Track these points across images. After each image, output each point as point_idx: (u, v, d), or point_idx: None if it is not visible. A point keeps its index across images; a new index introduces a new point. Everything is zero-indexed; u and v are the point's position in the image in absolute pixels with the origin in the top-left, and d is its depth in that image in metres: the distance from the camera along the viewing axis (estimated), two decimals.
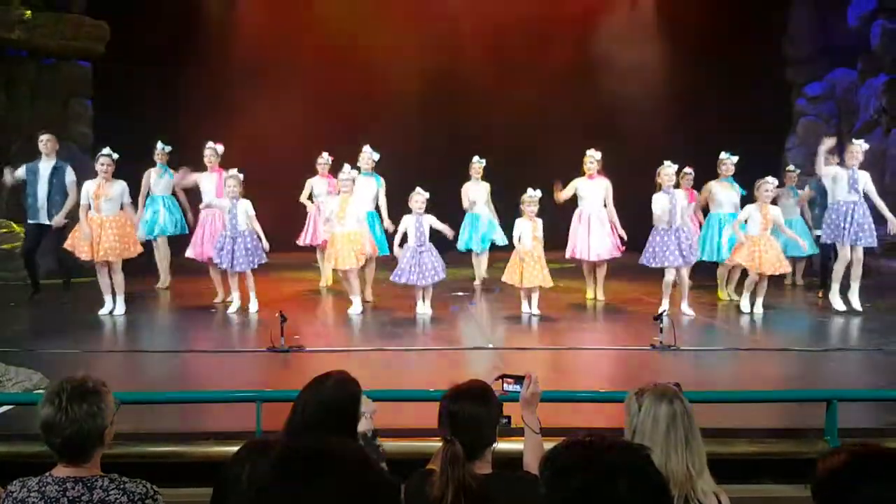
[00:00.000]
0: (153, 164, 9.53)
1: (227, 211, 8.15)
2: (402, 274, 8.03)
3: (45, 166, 8.54)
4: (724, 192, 9.00)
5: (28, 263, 8.72)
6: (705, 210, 9.36)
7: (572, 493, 1.49)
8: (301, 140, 11.19)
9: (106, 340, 7.34)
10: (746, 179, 8.87)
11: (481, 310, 8.80)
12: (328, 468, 1.52)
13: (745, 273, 8.44)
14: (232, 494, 2.51)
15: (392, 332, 7.45)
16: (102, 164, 7.95)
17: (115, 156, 8.08)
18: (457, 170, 9.99)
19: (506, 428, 2.76)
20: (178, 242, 9.62)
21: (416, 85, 12.65)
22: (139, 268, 9.32)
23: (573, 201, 8.95)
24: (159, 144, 9.39)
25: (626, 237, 8.79)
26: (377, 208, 9.16)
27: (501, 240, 9.74)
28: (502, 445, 2.71)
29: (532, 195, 8.03)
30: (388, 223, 8.97)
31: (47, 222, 8.58)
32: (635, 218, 8.73)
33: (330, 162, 9.63)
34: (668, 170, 8.07)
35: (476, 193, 9.78)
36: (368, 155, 8.90)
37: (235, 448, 2.51)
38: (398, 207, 8.52)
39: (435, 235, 8.20)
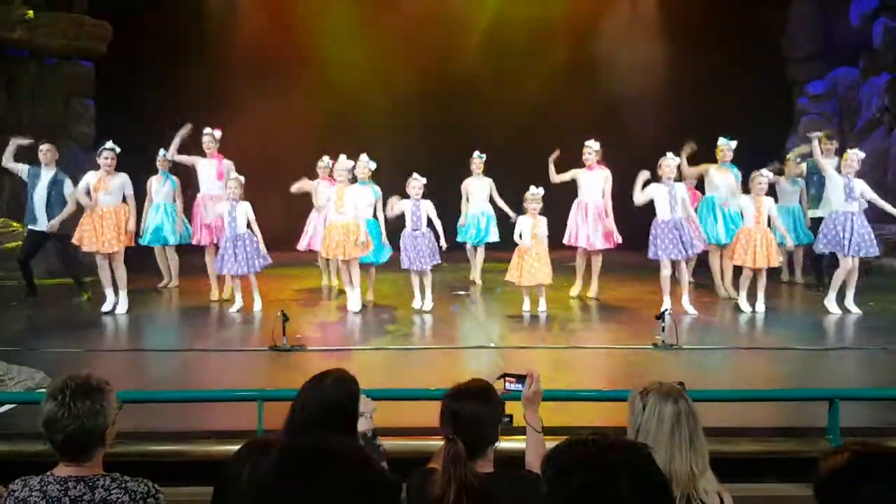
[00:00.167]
0: (154, 163, 9.55)
1: (227, 213, 8.15)
2: (402, 259, 8.15)
3: (46, 175, 8.55)
4: (720, 177, 9.01)
5: (23, 267, 8.72)
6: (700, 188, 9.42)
7: (574, 492, 1.49)
8: (303, 139, 11.21)
9: (108, 339, 7.35)
10: (748, 177, 8.87)
11: (482, 309, 8.79)
12: (328, 467, 1.52)
13: (739, 268, 8.43)
14: (232, 494, 2.51)
15: (394, 330, 7.46)
16: (106, 158, 8.03)
17: (118, 149, 8.14)
18: (458, 166, 9.97)
19: (507, 427, 2.75)
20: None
21: (417, 81, 12.65)
22: (142, 265, 9.35)
23: (574, 192, 8.94)
24: (161, 151, 9.37)
25: (615, 230, 8.77)
26: (375, 216, 9.09)
27: (495, 236, 9.72)
28: (504, 444, 2.70)
29: (534, 192, 8.03)
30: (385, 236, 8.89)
31: (44, 230, 8.57)
32: (636, 216, 8.71)
33: (330, 165, 9.59)
34: (669, 162, 8.08)
35: (477, 189, 9.78)
36: (365, 164, 8.86)
37: (237, 447, 2.51)
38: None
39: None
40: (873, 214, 8.69)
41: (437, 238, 8.32)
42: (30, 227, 8.68)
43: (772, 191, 9.16)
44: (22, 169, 8.59)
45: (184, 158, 9.10)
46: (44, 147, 8.59)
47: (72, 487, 2.39)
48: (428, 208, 8.18)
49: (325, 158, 9.69)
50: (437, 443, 2.73)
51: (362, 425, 2.93)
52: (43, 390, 4.96)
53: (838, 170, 8.18)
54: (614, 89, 12.62)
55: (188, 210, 9.48)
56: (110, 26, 11.72)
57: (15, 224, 10.33)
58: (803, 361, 6.36)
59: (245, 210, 8.13)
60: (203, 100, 11.76)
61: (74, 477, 2.41)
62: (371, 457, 2.48)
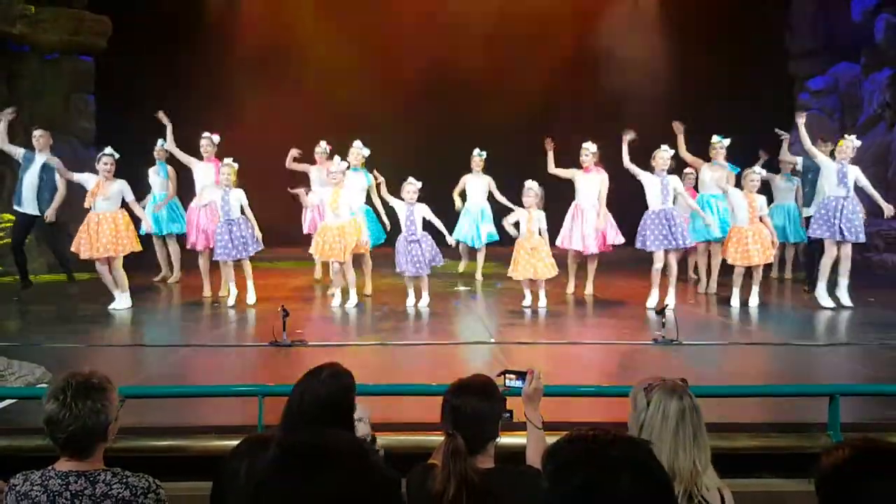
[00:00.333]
0: (153, 160, 9.57)
1: (220, 199, 8.15)
2: (396, 263, 8.15)
3: (38, 160, 8.60)
4: (710, 174, 9.04)
5: (17, 255, 8.74)
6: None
7: (575, 489, 1.48)
8: (303, 134, 11.17)
9: (108, 334, 7.35)
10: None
11: (482, 304, 8.79)
12: (327, 462, 1.52)
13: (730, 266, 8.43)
14: (231, 489, 2.51)
15: (394, 326, 7.46)
16: (106, 164, 8.03)
17: (117, 155, 8.15)
18: (457, 162, 9.96)
19: (508, 422, 2.75)
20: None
21: (418, 77, 12.64)
22: (144, 262, 9.35)
23: (572, 194, 8.94)
24: (159, 142, 9.39)
25: (609, 233, 8.77)
26: (368, 203, 9.11)
27: (493, 235, 9.71)
28: (505, 440, 2.71)
29: (529, 186, 8.03)
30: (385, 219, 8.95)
31: (36, 213, 8.59)
32: (635, 216, 8.70)
33: (328, 151, 9.59)
34: (663, 153, 8.10)
35: (475, 186, 9.76)
36: (358, 150, 8.89)
37: (238, 442, 2.52)
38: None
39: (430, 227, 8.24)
40: (872, 208, 8.69)
41: (443, 236, 8.32)
42: (16, 207, 8.70)
43: (768, 188, 9.21)
44: (18, 152, 8.64)
45: (181, 154, 9.08)
46: (37, 133, 8.64)
47: (73, 482, 2.39)
48: (423, 212, 8.14)
49: (323, 144, 9.66)
50: (437, 438, 2.73)
51: (360, 430, 2.93)
52: (43, 385, 4.98)
53: (834, 156, 8.16)
54: (615, 85, 12.62)
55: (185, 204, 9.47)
56: (110, 21, 11.70)
57: (10, 216, 10.33)
58: (801, 357, 6.35)
59: (238, 197, 8.12)
60: (203, 95, 11.77)
61: (75, 472, 2.41)
62: (370, 452, 2.49)
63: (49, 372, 5.33)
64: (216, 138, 9.03)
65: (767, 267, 9.67)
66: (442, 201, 9.62)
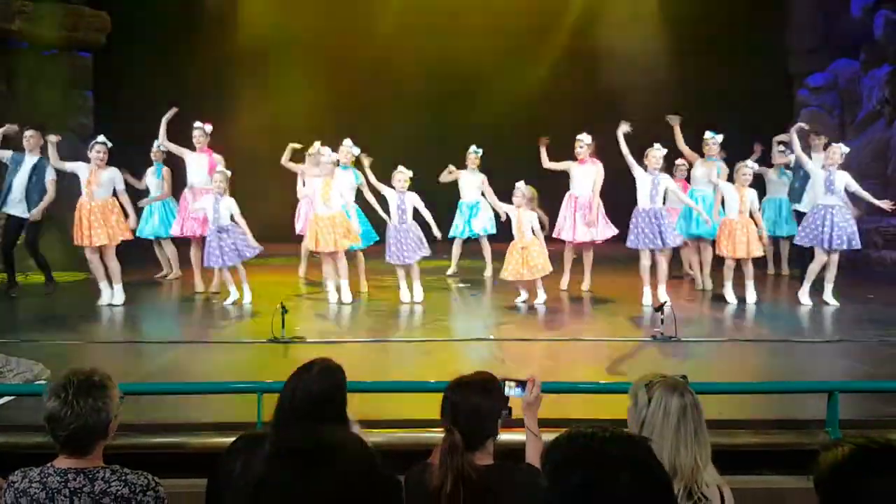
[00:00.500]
0: (150, 158, 9.57)
1: (210, 206, 8.15)
2: (387, 253, 8.18)
3: (29, 161, 8.60)
4: (701, 170, 9.09)
5: (6, 259, 8.71)
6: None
7: (574, 486, 1.48)
8: (302, 129, 11.15)
9: (106, 331, 7.35)
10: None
11: (479, 301, 8.79)
12: (329, 461, 1.52)
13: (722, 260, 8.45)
14: (226, 486, 2.51)
15: (390, 323, 7.47)
16: (98, 152, 8.02)
17: (110, 144, 8.13)
18: (455, 157, 9.95)
19: (507, 419, 2.75)
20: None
21: (416, 73, 12.63)
22: (142, 258, 9.33)
23: (566, 185, 8.94)
24: (155, 143, 9.36)
25: (601, 225, 8.77)
26: (358, 202, 9.09)
27: (490, 228, 9.69)
28: (504, 437, 2.70)
29: (517, 187, 8.09)
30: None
31: (24, 216, 8.59)
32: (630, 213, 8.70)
33: (321, 151, 9.55)
34: (655, 152, 8.12)
35: (468, 183, 9.76)
36: (348, 149, 8.88)
37: (234, 440, 2.51)
38: None
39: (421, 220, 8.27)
40: (871, 208, 8.69)
41: (430, 229, 8.33)
42: (4, 210, 8.69)
43: (761, 182, 9.23)
44: (5, 154, 8.65)
45: (174, 147, 9.04)
46: (28, 133, 8.65)
47: (72, 479, 2.39)
48: (414, 201, 8.16)
49: (317, 145, 9.63)
50: (436, 435, 2.73)
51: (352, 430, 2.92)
52: (42, 382, 4.97)
53: (823, 164, 8.18)
54: (613, 81, 12.60)
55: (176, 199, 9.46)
56: (109, 17, 11.67)
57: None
58: (800, 353, 6.36)
59: (228, 205, 8.09)
60: (202, 91, 11.74)
61: (74, 469, 2.41)
62: (370, 449, 2.49)
63: (47, 369, 5.32)
64: (208, 128, 9.00)
65: (763, 262, 9.71)
66: (441, 195, 9.64)
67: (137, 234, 9.16)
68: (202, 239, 8.74)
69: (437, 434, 2.68)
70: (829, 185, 7.97)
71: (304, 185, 9.03)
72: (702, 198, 9.00)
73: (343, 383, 2.71)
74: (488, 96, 12.70)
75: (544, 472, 1.56)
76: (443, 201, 9.59)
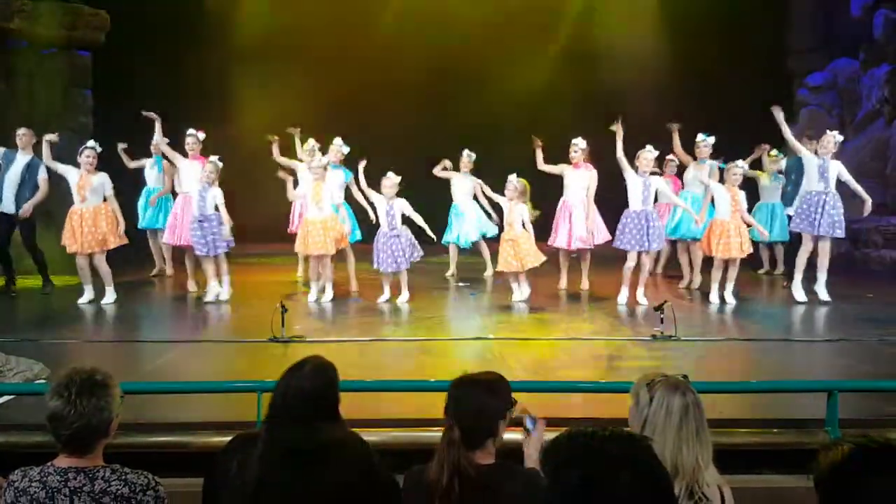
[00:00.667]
0: (150, 155, 9.56)
1: (197, 193, 8.18)
2: (375, 259, 8.19)
3: (21, 159, 8.60)
4: (692, 173, 9.14)
5: (2, 257, 8.71)
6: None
7: (574, 486, 1.48)
8: (302, 129, 11.15)
9: (103, 330, 7.35)
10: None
11: (477, 301, 8.78)
12: (327, 458, 1.52)
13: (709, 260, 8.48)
14: (223, 485, 2.51)
15: (393, 321, 7.47)
16: (88, 157, 8.03)
17: (99, 149, 8.16)
18: (454, 158, 9.95)
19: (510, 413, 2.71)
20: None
21: (416, 72, 12.63)
22: (133, 257, 9.31)
23: (560, 190, 8.94)
24: (155, 136, 9.36)
25: (596, 231, 8.79)
26: (348, 200, 9.09)
27: (492, 230, 9.67)
28: (504, 436, 2.68)
29: (510, 180, 8.14)
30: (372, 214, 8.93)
31: (14, 212, 8.59)
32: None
33: (316, 149, 9.56)
34: (647, 154, 8.14)
35: (460, 187, 9.74)
36: (338, 148, 8.90)
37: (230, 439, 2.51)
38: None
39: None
40: (873, 206, 8.69)
41: (423, 232, 8.34)
42: None
43: (755, 188, 9.26)
44: None
45: (169, 151, 9.01)
46: (20, 131, 8.68)
47: (72, 478, 2.39)
48: (402, 207, 8.17)
49: (311, 141, 9.63)
50: (434, 434, 2.72)
51: None
52: (42, 381, 4.97)
53: (817, 151, 8.18)
54: (612, 81, 12.59)
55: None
56: (108, 16, 11.66)
57: None
58: (799, 353, 6.36)
59: (214, 195, 8.11)
60: (202, 90, 11.75)
61: (75, 468, 2.41)
62: (369, 448, 2.49)
63: (47, 368, 5.32)
64: (201, 135, 8.98)
65: (758, 263, 9.75)
66: (438, 192, 9.63)
67: (137, 226, 9.19)
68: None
69: (435, 433, 2.68)
70: (822, 172, 7.98)
71: (294, 187, 9.01)
72: (692, 198, 9.02)
73: (335, 381, 2.71)
74: (487, 96, 12.69)
75: (544, 471, 1.57)
76: (433, 203, 9.58)
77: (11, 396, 4.68)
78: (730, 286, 8.26)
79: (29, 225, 8.70)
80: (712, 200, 8.35)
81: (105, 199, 8.12)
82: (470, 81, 12.81)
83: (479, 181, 9.71)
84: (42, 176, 8.55)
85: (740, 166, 8.31)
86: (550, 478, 1.54)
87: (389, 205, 8.12)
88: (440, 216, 9.56)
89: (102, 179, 8.10)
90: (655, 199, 8.42)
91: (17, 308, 8.28)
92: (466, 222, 9.66)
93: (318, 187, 8.21)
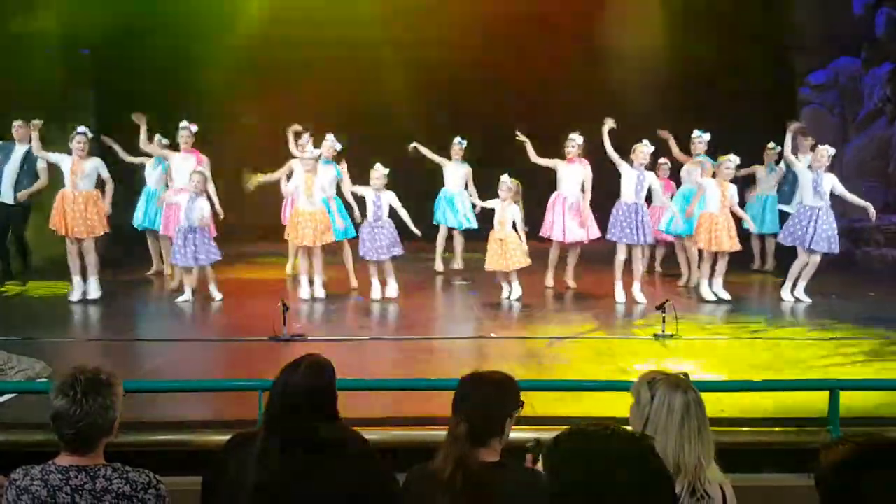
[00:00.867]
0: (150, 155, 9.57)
1: (184, 204, 8.16)
2: (361, 248, 8.24)
3: (19, 149, 8.64)
4: (687, 170, 9.16)
5: None
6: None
7: (575, 484, 1.48)
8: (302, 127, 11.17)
9: (103, 329, 7.34)
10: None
11: (471, 298, 8.75)
12: (328, 457, 1.52)
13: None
14: (221, 484, 2.51)
15: (391, 321, 7.48)
16: (79, 143, 8.01)
17: (91, 134, 8.19)
18: (444, 149, 9.95)
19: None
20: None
21: (416, 72, 12.61)
22: (128, 253, 9.31)
23: (553, 184, 8.93)
24: (157, 137, 9.35)
25: (590, 226, 8.77)
26: (338, 195, 9.09)
27: (469, 223, 9.72)
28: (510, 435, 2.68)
29: (503, 180, 8.16)
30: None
31: (12, 203, 8.62)
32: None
33: (310, 143, 9.56)
34: (642, 148, 8.18)
35: (452, 174, 9.79)
36: (330, 143, 8.92)
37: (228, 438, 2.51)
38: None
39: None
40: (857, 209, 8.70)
41: (407, 226, 8.35)
42: None
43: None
44: None
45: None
46: (16, 123, 8.75)
47: (73, 477, 2.39)
48: (390, 199, 8.25)
49: (305, 136, 9.61)
50: (434, 433, 2.72)
51: None
52: (43, 380, 4.98)
53: (811, 165, 8.21)
54: (613, 78, 12.57)
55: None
56: (110, 14, 11.66)
57: None
58: (800, 351, 6.36)
59: (201, 206, 8.09)
60: (203, 89, 11.74)
61: (76, 466, 2.41)
62: (370, 447, 2.49)
63: (49, 367, 5.32)
64: (194, 128, 8.98)
65: (749, 258, 9.75)
66: (433, 183, 9.63)
67: (133, 224, 9.16)
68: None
69: (436, 433, 2.68)
70: (816, 186, 8.02)
71: (287, 181, 9.02)
72: (687, 194, 9.04)
73: (332, 379, 2.71)
74: (485, 90, 12.69)
75: (545, 469, 1.57)
76: (423, 191, 9.58)
77: (13, 395, 4.69)
78: (718, 280, 8.27)
79: (20, 216, 8.73)
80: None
81: (102, 186, 8.13)
82: (469, 82, 12.78)
83: (470, 169, 9.77)
84: (42, 165, 8.56)
85: (732, 160, 8.32)
86: (552, 475, 1.54)
87: (377, 196, 8.19)
88: (428, 208, 9.62)
89: (95, 164, 8.10)
90: (649, 200, 8.42)
91: (19, 306, 8.27)
92: (455, 208, 9.73)
93: (310, 180, 8.26)
